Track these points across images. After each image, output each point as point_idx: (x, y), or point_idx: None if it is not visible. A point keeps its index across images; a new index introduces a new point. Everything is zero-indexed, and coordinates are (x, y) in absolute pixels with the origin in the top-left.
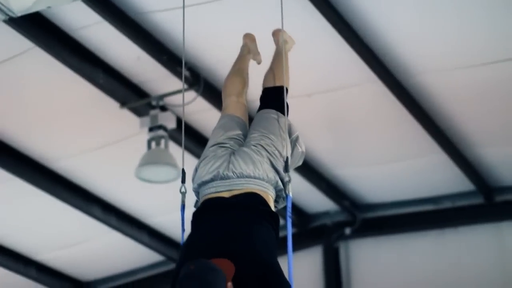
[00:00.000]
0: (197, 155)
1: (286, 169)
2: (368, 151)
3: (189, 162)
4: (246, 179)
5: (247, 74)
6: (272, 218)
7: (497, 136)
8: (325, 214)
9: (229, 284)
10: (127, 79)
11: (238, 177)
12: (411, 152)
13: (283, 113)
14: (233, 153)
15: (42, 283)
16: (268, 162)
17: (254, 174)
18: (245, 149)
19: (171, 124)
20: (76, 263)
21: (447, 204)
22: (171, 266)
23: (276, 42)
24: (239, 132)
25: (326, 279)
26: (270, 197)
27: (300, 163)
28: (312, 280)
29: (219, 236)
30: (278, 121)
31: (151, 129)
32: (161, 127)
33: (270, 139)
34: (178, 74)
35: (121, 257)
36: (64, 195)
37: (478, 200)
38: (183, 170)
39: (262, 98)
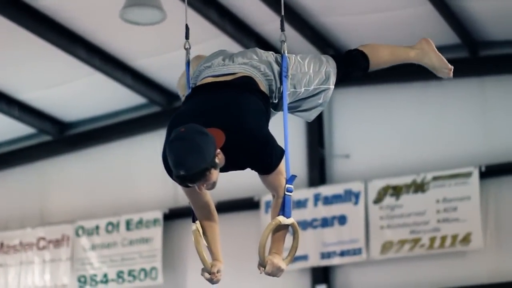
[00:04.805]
0: None
1: (282, 28)
2: (354, 0)
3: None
4: (243, 66)
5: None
6: (263, 96)
7: None
8: None
9: (218, 151)
10: None
11: (235, 63)
12: (397, 3)
13: (339, 65)
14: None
15: (24, 122)
16: (268, 64)
17: (251, 62)
18: (254, 48)
19: None
20: (58, 103)
21: None
22: (154, 108)
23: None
24: None
25: (308, 130)
26: (263, 85)
27: (313, 115)
28: (294, 131)
29: (211, 108)
30: (318, 57)
31: None
32: None
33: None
34: None
35: (104, 98)
36: (48, 35)
37: (463, 54)
38: (186, 26)
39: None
